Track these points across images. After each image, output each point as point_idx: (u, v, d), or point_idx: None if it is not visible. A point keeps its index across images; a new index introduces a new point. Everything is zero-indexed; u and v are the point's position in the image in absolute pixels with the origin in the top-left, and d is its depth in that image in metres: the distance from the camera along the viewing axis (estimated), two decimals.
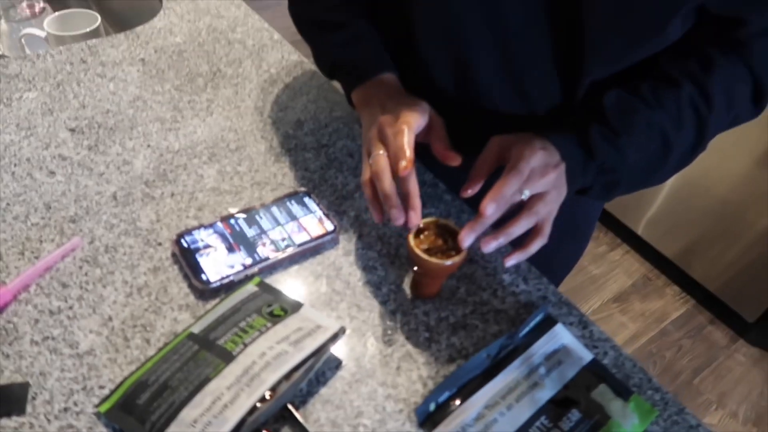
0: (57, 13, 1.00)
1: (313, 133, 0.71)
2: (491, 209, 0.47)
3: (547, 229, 0.51)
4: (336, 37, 0.60)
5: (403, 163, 0.48)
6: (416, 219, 0.50)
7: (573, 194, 0.54)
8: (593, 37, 0.50)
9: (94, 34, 0.97)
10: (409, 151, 0.49)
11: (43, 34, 1.00)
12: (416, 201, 0.50)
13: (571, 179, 0.52)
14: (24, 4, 1.19)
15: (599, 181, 0.55)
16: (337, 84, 0.66)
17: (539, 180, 0.49)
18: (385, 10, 0.60)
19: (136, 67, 0.77)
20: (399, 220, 0.49)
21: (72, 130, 0.67)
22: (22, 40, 1.04)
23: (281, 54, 0.83)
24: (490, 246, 0.48)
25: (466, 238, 0.49)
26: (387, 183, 0.49)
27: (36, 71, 0.74)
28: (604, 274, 1.80)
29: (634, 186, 0.58)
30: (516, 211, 0.50)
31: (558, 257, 0.73)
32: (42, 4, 1.20)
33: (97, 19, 1.00)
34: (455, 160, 0.51)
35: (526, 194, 0.49)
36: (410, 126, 0.50)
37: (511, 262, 0.51)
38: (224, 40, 0.84)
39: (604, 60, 0.52)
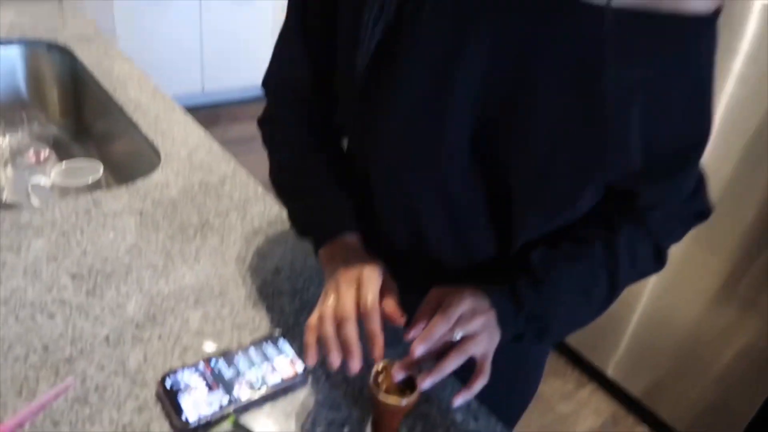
0: (63, 165, 1.11)
1: (289, 279, 0.80)
2: (420, 350, 0.55)
3: (486, 369, 0.58)
4: (306, 200, 0.71)
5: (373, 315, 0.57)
6: (357, 366, 0.56)
7: (509, 341, 0.62)
8: (520, 209, 0.62)
9: (97, 184, 1.08)
10: (374, 302, 0.58)
11: (49, 183, 1.11)
12: (380, 340, 0.57)
13: (503, 326, 0.61)
14: (30, 152, 1.32)
15: (530, 328, 0.64)
16: None
17: (467, 323, 0.57)
18: (351, 183, 0.71)
19: (134, 218, 0.87)
20: (351, 367, 0.56)
21: (73, 276, 0.75)
22: (29, 188, 1.14)
23: (264, 206, 0.94)
24: (426, 383, 0.56)
25: (397, 375, 0.56)
26: (332, 329, 0.57)
27: (44, 221, 0.84)
28: (574, 412, 1.83)
29: (562, 332, 0.67)
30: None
31: (510, 397, 0.79)
32: (47, 153, 1.33)
33: (100, 170, 1.11)
34: (400, 321, 0.60)
35: (458, 335, 0.57)
36: (368, 283, 0.60)
37: (459, 401, 0.58)
38: (214, 194, 0.95)
39: (529, 227, 0.63)
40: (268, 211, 0.93)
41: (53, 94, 1.44)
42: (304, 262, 0.83)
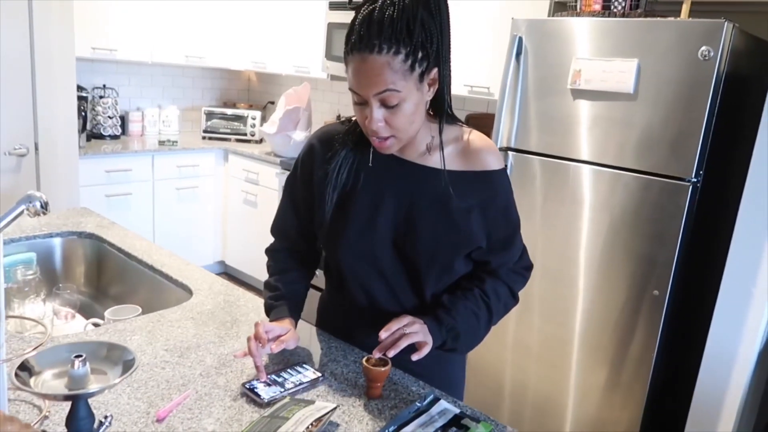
0: (112, 308, 1.56)
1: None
2: (384, 335, 1.07)
3: (425, 349, 1.09)
4: (269, 293, 1.27)
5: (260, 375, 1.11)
6: (262, 377, 1.10)
7: (439, 347, 1.15)
8: (424, 275, 1.19)
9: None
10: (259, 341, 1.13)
11: (102, 323, 1.55)
12: (260, 362, 1.10)
13: (432, 334, 1.14)
14: (62, 313, 1.74)
15: (448, 336, 1.17)
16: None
17: (411, 325, 1.10)
18: (328, 269, 1.27)
19: (190, 321, 1.34)
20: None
21: (166, 350, 1.20)
22: (85, 327, 1.57)
23: None
24: (392, 353, 1.06)
25: (376, 352, 1.07)
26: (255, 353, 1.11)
27: (134, 327, 1.29)
28: None
29: (468, 342, 1.22)
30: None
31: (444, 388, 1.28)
32: (74, 313, 1.75)
33: (140, 309, 1.57)
34: (262, 376, 1.11)
35: (406, 330, 1.09)
36: (264, 329, 1.15)
37: (415, 357, 1.07)
38: (235, 306, 1.44)
39: (431, 285, 1.21)
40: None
41: (80, 270, 1.90)
42: (301, 330, 1.33)
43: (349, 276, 1.22)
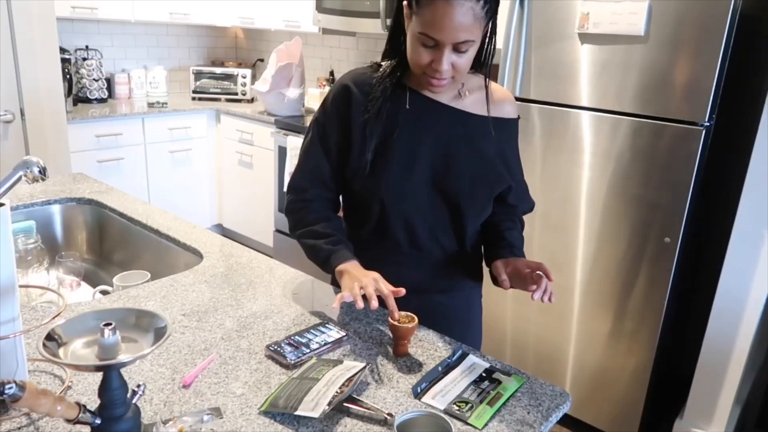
0: (121, 274, 1.52)
1: (313, 298, 1.25)
2: (537, 295, 1.08)
3: (549, 286, 1.09)
4: (325, 242, 1.20)
5: (401, 292, 1.08)
6: (375, 304, 1.05)
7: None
8: (463, 214, 1.19)
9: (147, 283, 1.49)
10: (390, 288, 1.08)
11: (111, 289, 1.51)
12: (392, 302, 1.05)
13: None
14: (66, 282, 1.70)
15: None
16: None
17: (538, 267, 1.12)
18: (364, 213, 1.24)
19: (204, 285, 1.30)
20: (373, 305, 1.05)
21: (184, 315, 1.16)
22: (93, 295, 1.53)
23: (282, 269, 1.40)
24: (554, 298, 1.08)
25: (536, 293, 1.08)
26: (359, 291, 1.06)
27: (148, 292, 1.25)
28: None
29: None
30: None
31: (465, 335, 1.27)
32: (79, 281, 1.71)
33: (148, 275, 1.53)
34: (402, 292, 1.08)
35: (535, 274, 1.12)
36: (381, 280, 1.10)
37: (536, 296, 1.07)
38: (248, 267, 1.40)
39: (469, 224, 1.21)
40: (286, 271, 1.39)
41: (82, 237, 1.84)
42: (315, 287, 1.30)
43: (391, 218, 1.21)
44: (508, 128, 1.23)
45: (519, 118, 1.26)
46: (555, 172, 2.24)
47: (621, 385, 2.20)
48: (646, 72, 1.95)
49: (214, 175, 3.97)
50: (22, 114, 2.83)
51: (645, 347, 2.13)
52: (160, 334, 0.70)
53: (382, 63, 1.22)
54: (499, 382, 1.00)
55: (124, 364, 0.67)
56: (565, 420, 2.34)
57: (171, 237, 1.59)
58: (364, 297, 1.06)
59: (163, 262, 1.63)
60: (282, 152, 3.41)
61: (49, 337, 0.65)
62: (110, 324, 0.65)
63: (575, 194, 2.21)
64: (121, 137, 3.43)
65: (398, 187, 1.18)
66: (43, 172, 1.41)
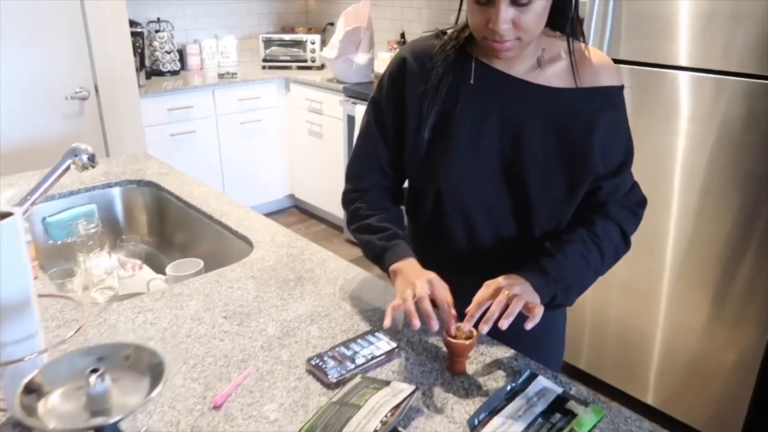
0: (174, 263, 1.47)
1: (366, 300, 1.14)
2: (475, 310, 0.90)
3: (538, 310, 0.90)
4: (381, 238, 1.07)
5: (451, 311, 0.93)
6: (435, 326, 0.91)
7: (548, 303, 0.96)
8: (533, 208, 1.00)
9: (199, 272, 1.43)
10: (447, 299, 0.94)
11: (164, 278, 1.46)
12: (447, 312, 0.91)
13: (538, 290, 0.95)
14: (128, 266, 1.67)
15: (557, 288, 0.98)
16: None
17: (512, 286, 0.91)
18: (420, 204, 1.09)
19: (251, 281, 1.22)
20: (432, 326, 0.90)
21: (225, 317, 1.09)
22: (148, 285, 1.50)
23: (335, 262, 1.29)
24: (505, 323, 0.87)
25: (465, 326, 0.90)
26: (413, 305, 0.91)
27: (191, 290, 1.18)
28: None
29: (579, 288, 1.02)
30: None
31: (544, 358, 1.10)
32: (141, 264, 1.68)
33: (201, 263, 1.47)
34: (453, 313, 0.93)
35: (508, 295, 0.90)
36: (441, 285, 0.96)
37: (529, 325, 0.89)
38: (299, 260, 1.31)
39: (540, 220, 1.02)
40: (339, 264, 1.28)
41: (143, 219, 1.82)
42: (373, 288, 1.18)
43: (448, 209, 1.06)
44: (604, 100, 1.00)
45: (623, 87, 1.03)
46: (645, 140, 1.97)
47: (720, 381, 1.97)
48: (760, 24, 1.65)
49: (284, 145, 3.93)
50: (96, 90, 2.86)
51: (750, 340, 1.87)
52: (157, 374, 0.60)
53: (447, 30, 1.06)
54: (574, 415, 0.84)
55: (113, 426, 0.58)
56: (649, 412, 2.13)
57: (223, 224, 1.51)
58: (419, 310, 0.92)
59: (218, 248, 1.57)
60: (351, 121, 3.30)
61: (28, 389, 0.56)
62: (97, 370, 0.57)
63: (669, 165, 1.94)
64: (192, 110, 3.43)
65: (459, 174, 1.02)
66: (92, 159, 1.37)
